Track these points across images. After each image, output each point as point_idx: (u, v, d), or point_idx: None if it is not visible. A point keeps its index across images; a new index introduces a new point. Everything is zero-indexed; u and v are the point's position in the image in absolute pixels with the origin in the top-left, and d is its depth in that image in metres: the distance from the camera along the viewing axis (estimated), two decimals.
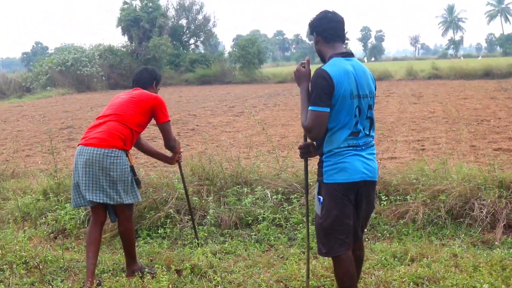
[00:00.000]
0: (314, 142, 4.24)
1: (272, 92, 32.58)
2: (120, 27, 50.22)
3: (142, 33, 48.63)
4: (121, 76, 44.78)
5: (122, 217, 5.32)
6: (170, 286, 4.87)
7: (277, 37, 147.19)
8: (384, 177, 7.17)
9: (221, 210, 6.76)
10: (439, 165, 7.34)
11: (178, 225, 6.53)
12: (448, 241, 5.95)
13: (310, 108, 3.88)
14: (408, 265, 5.30)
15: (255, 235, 6.35)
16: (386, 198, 6.77)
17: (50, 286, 5.16)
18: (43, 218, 7.17)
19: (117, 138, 5.14)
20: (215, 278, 5.05)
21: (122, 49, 48.44)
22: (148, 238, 6.44)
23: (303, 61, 4.22)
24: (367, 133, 4.05)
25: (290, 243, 6.15)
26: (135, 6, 50.59)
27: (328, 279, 5.04)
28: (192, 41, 56.66)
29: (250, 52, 45.49)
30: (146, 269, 5.37)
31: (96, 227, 5.30)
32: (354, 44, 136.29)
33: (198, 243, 6.11)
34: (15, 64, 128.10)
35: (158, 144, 11.28)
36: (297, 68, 4.18)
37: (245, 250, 5.96)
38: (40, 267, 5.46)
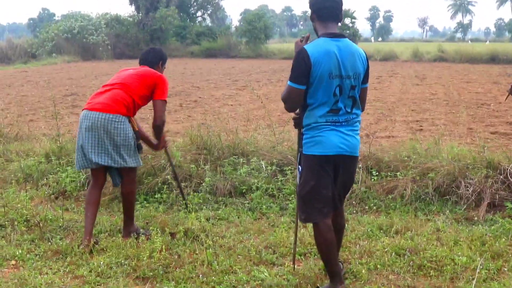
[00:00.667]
0: None
1: (277, 67, 32.68)
2: None
3: (149, 4, 48.50)
4: (127, 46, 44.89)
5: (126, 179, 5.55)
6: (164, 247, 5.08)
7: (285, 13, 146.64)
8: (377, 153, 7.36)
9: (217, 179, 6.97)
10: (431, 144, 7.53)
11: (174, 191, 6.74)
12: (433, 217, 6.15)
13: (288, 83, 4.12)
14: (392, 237, 5.51)
15: (248, 203, 6.57)
16: (377, 173, 6.96)
17: (49, 243, 5.39)
18: (45, 180, 7.39)
19: (121, 104, 5.35)
20: (206, 241, 5.27)
21: (129, 18, 48.41)
22: (145, 202, 6.68)
23: (303, 35, 4.39)
24: (349, 110, 4.22)
25: (282, 212, 6.37)
26: None
27: (314, 246, 5.23)
28: (199, 13, 56.56)
29: (257, 27, 45.47)
30: (142, 231, 5.62)
31: (95, 189, 5.53)
32: (362, 23, 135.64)
33: (186, 204, 6.37)
34: (21, 30, 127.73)
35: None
36: (296, 41, 4.35)
37: (238, 217, 6.19)
38: (41, 225, 5.70)
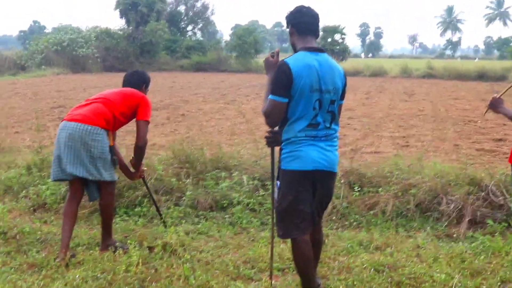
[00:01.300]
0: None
1: (266, 82, 32.57)
2: (118, 10, 50.14)
3: (139, 17, 48.56)
4: (116, 59, 44.83)
5: (104, 192, 5.50)
6: (141, 261, 5.02)
7: (275, 28, 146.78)
8: (360, 169, 7.35)
9: (198, 193, 6.93)
10: (414, 160, 7.53)
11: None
12: (414, 233, 6.13)
13: (269, 96, 4.07)
14: (372, 253, 5.48)
15: (229, 217, 6.52)
16: (359, 189, 6.94)
17: (25, 256, 5.32)
18: (24, 192, 7.32)
19: (101, 117, 5.32)
20: (184, 256, 5.21)
21: (119, 32, 48.43)
22: (125, 215, 6.61)
23: (273, 51, 4.38)
24: (328, 125, 4.20)
25: (262, 227, 6.32)
26: None
27: (293, 261, 5.21)
28: (189, 27, 56.69)
29: (247, 41, 45.61)
30: (119, 244, 5.55)
31: (73, 202, 5.48)
32: (352, 40, 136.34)
33: (162, 219, 6.31)
34: (11, 42, 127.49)
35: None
36: (266, 58, 4.35)
37: (218, 232, 6.13)
38: (17, 237, 5.64)
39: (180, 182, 7.12)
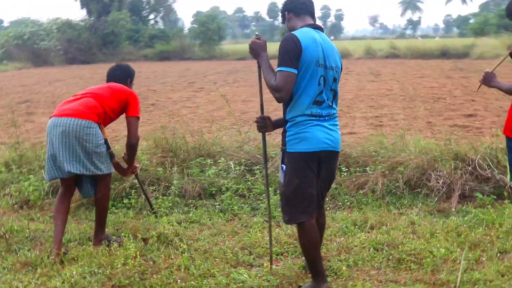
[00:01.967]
0: (271, 117, 4.39)
1: (231, 68, 32.60)
2: (78, 1, 49.35)
3: (101, 7, 47.89)
4: (79, 51, 44.17)
5: (101, 184, 5.36)
6: (138, 253, 4.93)
7: (237, 14, 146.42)
8: (344, 149, 7.32)
9: (184, 181, 6.85)
10: (397, 138, 7.55)
11: (142, 195, 6.59)
12: (405, 210, 6.15)
13: (279, 69, 3.94)
14: (368, 232, 5.48)
15: (218, 205, 6.45)
16: (346, 169, 6.94)
17: (17, 255, 5.18)
18: (6, 190, 7.15)
19: (93, 111, 5.17)
20: (181, 245, 5.15)
21: (81, 23, 47.63)
22: (113, 208, 6.47)
23: (257, 34, 4.31)
24: (330, 104, 4.15)
25: (253, 212, 6.27)
26: None
27: (291, 245, 5.19)
28: (151, 16, 56.08)
29: (210, 28, 45.37)
30: (113, 238, 5.45)
31: (65, 197, 5.35)
32: None
33: (154, 212, 6.20)
34: None
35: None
36: (252, 41, 4.26)
37: (209, 220, 6.07)
38: (6, 236, 5.48)
39: (167, 172, 7.01)
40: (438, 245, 4.98)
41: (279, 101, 4.07)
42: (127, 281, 4.53)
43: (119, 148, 7.20)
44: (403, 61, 35.57)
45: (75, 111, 5.12)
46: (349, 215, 6.01)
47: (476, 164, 6.52)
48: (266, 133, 4.59)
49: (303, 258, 4.88)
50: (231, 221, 6.10)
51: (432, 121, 12.65)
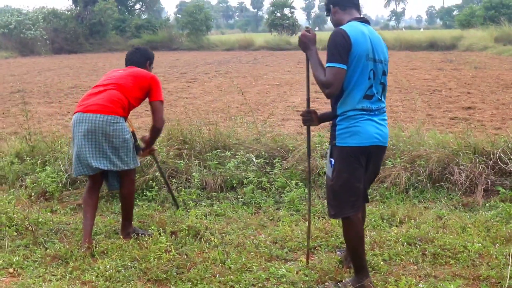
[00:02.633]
0: (316, 111, 4.35)
1: (221, 59, 32.46)
2: None
3: None
4: (65, 40, 43.58)
5: (126, 179, 5.30)
6: (172, 247, 4.87)
7: (220, 4, 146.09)
8: None
9: (204, 174, 6.79)
10: (414, 131, 7.54)
11: (163, 188, 6.53)
12: (429, 204, 6.15)
13: (328, 64, 3.91)
14: (396, 226, 5.47)
15: (241, 198, 6.41)
16: None
17: (45, 248, 5.10)
18: (21, 181, 7.05)
19: (118, 105, 5.09)
20: (212, 239, 5.10)
21: (67, 12, 47.06)
22: (136, 200, 6.35)
23: (308, 27, 4.29)
24: (380, 98, 4.13)
25: (277, 205, 6.24)
26: None
27: (323, 240, 5.17)
28: (137, 6, 55.68)
29: (198, 18, 45.15)
30: (141, 231, 5.39)
31: (93, 190, 5.29)
32: (298, 13, 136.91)
33: (178, 206, 6.14)
34: None
35: None
36: (302, 34, 4.22)
37: (234, 213, 6.02)
38: (33, 229, 5.39)
39: (186, 164, 6.95)
40: (470, 239, 4.98)
41: (328, 97, 4.05)
42: (164, 275, 4.47)
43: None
44: (391, 52, 35.47)
45: (100, 106, 5.03)
46: (375, 209, 5.98)
47: (497, 158, 6.52)
48: (309, 127, 4.55)
49: (338, 252, 4.88)
50: (256, 214, 6.06)
51: (432, 114, 12.68)
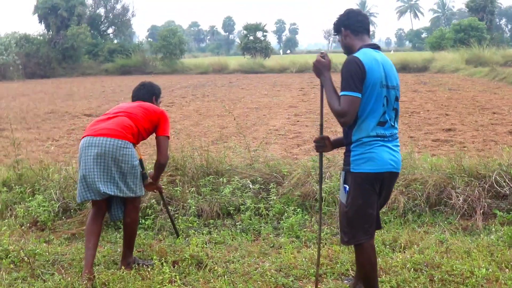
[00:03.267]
0: (329, 137, 4.32)
1: (196, 83, 32.50)
2: (36, 15, 48.52)
3: (60, 22, 47.20)
4: (38, 65, 43.39)
5: (130, 207, 5.20)
6: (177, 277, 4.77)
7: (192, 28, 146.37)
8: None
9: (200, 200, 6.70)
10: (406, 155, 7.55)
11: (159, 216, 6.42)
12: (428, 228, 6.13)
13: (343, 93, 3.90)
14: (399, 251, 5.44)
15: (240, 225, 6.32)
16: None
17: (43, 281, 4.94)
18: (10, 211, 6.88)
19: (128, 131, 5.05)
20: (215, 268, 5.01)
21: (39, 37, 46.82)
22: None
23: (322, 52, 4.27)
24: (393, 124, 4.13)
25: (276, 232, 6.17)
26: None
27: (328, 267, 5.10)
28: (110, 30, 55.58)
29: (172, 42, 45.21)
30: (141, 261, 5.28)
31: (97, 219, 5.16)
32: (269, 37, 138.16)
33: (178, 235, 6.03)
34: None
35: None
36: (317, 59, 4.20)
37: (233, 240, 5.93)
38: (30, 261, 5.23)
39: (178, 191, 6.85)
40: (477, 264, 4.96)
41: (343, 126, 4.06)
42: None
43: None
44: None
45: (111, 130, 4.97)
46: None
47: (493, 181, 6.55)
48: (320, 153, 4.48)
49: (345, 281, 4.83)
50: (256, 241, 5.97)
51: (414, 136, 12.76)
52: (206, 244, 5.76)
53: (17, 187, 7.26)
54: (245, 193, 6.81)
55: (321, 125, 4.39)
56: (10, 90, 30.29)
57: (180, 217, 6.41)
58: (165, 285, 4.63)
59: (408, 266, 4.99)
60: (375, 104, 3.98)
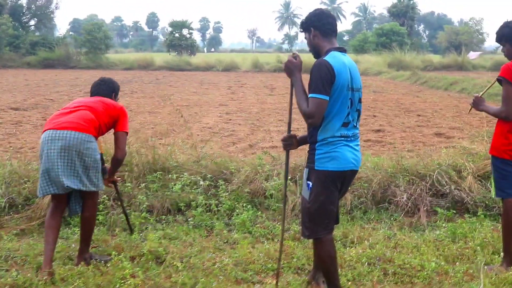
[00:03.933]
0: (297, 135, 4.46)
1: (122, 78, 31.98)
2: None
3: None
4: None
5: (90, 202, 5.17)
6: (140, 272, 4.77)
7: (115, 23, 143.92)
8: (297, 163, 7.43)
9: (150, 197, 6.70)
10: None
11: (111, 212, 6.38)
12: (375, 225, 6.36)
13: (311, 95, 4.04)
14: (350, 247, 5.63)
15: (192, 221, 6.35)
16: None
17: None
18: None
19: (91, 124, 5.03)
20: (175, 263, 5.04)
21: None
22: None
23: (294, 53, 4.38)
24: (355, 124, 4.30)
25: (228, 228, 6.24)
26: None
27: (285, 262, 5.21)
28: (32, 22, 53.94)
29: (97, 37, 44.41)
30: (98, 257, 5.24)
31: (56, 213, 5.10)
32: (194, 34, 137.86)
33: (132, 230, 6.02)
34: None
35: None
36: (288, 60, 4.33)
37: (186, 235, 5.95)
38: None
39: (126, 187, 6.82)
40: (426, 258, 5.21)
41: (310, 126, 4.21)
42: None
43: None
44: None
45: (74, 123, 4.93)
46: None
47: (434, 180, 6.86)
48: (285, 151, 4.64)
49: (305, 274, 4.96)
50: (209, 237, 6.03)
51: None
52: (161, 239, 5.77)
53: None
54: (195, 189, 6.85)
55: (289, 123, 4.51)
56: None
57: (133, 212, 6.39)
58: (128, 280, 4.63)
59: (362, 260, 5.18)
60: (341, 106, 4.14)
